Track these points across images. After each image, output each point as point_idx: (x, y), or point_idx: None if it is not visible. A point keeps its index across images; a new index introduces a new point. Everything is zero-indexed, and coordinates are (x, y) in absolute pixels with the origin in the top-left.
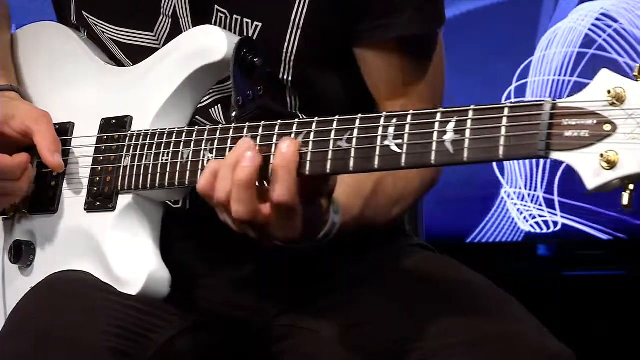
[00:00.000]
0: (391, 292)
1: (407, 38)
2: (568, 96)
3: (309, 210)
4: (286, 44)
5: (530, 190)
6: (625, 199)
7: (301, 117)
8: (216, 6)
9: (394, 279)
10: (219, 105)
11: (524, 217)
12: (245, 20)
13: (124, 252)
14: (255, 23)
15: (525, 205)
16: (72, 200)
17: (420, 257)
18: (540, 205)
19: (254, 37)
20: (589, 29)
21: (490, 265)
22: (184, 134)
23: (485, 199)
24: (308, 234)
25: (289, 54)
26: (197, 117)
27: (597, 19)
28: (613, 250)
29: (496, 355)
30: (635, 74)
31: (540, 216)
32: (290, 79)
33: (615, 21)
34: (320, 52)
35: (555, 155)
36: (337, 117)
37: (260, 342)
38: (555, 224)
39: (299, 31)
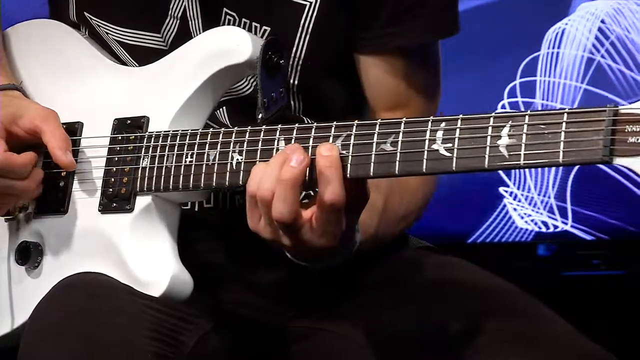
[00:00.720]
0: (407, 294)
1: (414, 47)
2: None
3: (349, 219)
4: (294, 49)
5: (541, 195)
6: None
7: (307, 121)
8: (225, 9)
9: (409, 281)
10: (225, 108)
11: (525, 219)
12: (254, 24)
13: (143, 254)
14: (264, 27)
15: (524, 207)
16: (84, 201)
17: (432, 260)
18: (552, 211)
19: None
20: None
21: (491, 266)
22: (209, 135)
23: (485, 199)
24: (340, 250)
25: (296, 59)
26: None
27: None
28: (613, 250)
29: (539, 354)
30: None
31: (545, 221)
32: (296, 82)
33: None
34: (327, 58)
35: (619, 161)
36: (379, 120)
37: (278, 343)
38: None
39: (308, 36)
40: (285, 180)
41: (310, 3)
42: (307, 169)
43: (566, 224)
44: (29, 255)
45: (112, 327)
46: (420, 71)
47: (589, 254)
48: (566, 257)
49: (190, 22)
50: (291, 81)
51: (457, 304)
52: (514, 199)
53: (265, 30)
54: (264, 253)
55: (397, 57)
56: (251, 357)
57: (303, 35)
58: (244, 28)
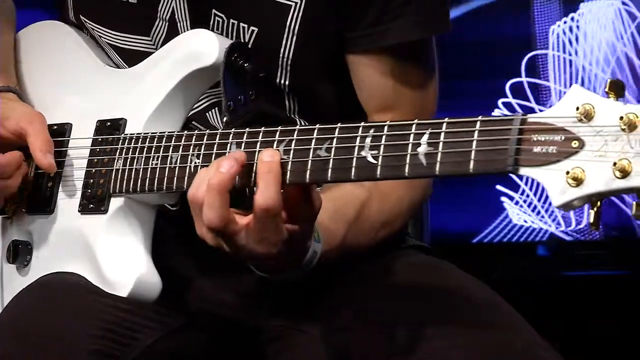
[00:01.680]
0: (384, 296)
1: (403, 45)
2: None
3: (291, 230)
4: (282, 49)
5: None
6: (592, 217)
7: (300, 122)
8: (214, 10)
9: (386, 283)
10: (216, 109)
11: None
12: (241, 24)
13: (114, 255)
14: (252, 28)
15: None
16: (67, 201)
17: (413, 260)
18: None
19: (250, 42)
20: None
21: (491, 265)
22: (173, 138)
23: (485, 199)
24: (289, 260)
25: (285, 59)
26: (193, 122)
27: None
28: (613, 250)
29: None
30: (606, 90)
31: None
32: (287, 83)
33: None
34: (316, 58)
35: (524, 171)
36: (317, 125)
37: (253, 343)
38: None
39: (294, 37)
40: (212, 185)
41: (296, 3)
42: (248, 171)
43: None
44: (18, 254)
45: (52, 326)
46: (411, 71)
47: (589, 254)
48: (566, 257)
49: (178, 24)
50: (283, 81)
51: (421, 308)
52: (515, 204)
53: (253, 30)
54: None
55: (386, 57)
56: (226, 356)
57: (290, 36)
58: (232, 29)
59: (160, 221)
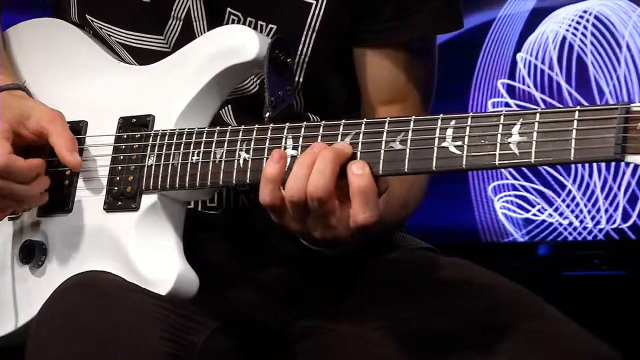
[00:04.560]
0: (410, 293)
1: (416, 41)
2: None
3: None
4: (300, 46)
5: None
6: None
7: (311, 117)
8: (229, 9)
9: (411, 280)
10: (230, 107)
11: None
12: (259, 22)
13: (149, 253)
14: (270, 25)
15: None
16: (89, 199)
17: (433, 259)
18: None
19: None
20: None
21: (491, 265)
22: (216, 133)
23: (486, 199)
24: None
25: (302, 57)
26: None
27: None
28: (612, 250)
29: (550, 352)
30: None
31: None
32: (301, 80)
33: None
34: (332, 55)
35: (631, 159)
36: (388, 118)
37: (282, 342)
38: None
39: (314, 35)
40: (327, 154)
41: (317, 2)
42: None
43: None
44: (33, 254)
45: (124, 325)
46: (420, 65)
47: (589, 254)
48: (566, 257)
49: (194, 23)
50: (297, 79)
51: (461, 303)
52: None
53: (272, 28)
54: (268, 253)
55: (399, 51)
56: (256, 356)
57: (310, 34)
58: (249, 26)
59: (190, 219)
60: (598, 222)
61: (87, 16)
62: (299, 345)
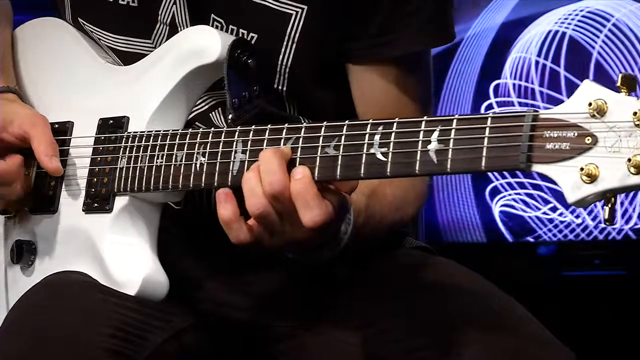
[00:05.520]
0: (393, 293)
1: (407, 55)
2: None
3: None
4: (281, 56)
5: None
6: (607, 213)
7: (305, 121)
8: (212, 15)
9: (394, 283)
10: (219, 110)
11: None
12: (241, 30)
13: (120, 254)
14: (252, 34)
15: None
16: (71, 200)
17: (419, 260)
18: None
19: None
20: None
21: (490, 265)
22: (178, 136)
23: (485, 199)
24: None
25: (283, 66)
26: (197, 122)
27: None
28: (613, 250)
29: None
30: (618, 84)
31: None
32: (284, 89)
33: None
34: (315, 65)
35: (536, 168)
36: (325, 123)
37: (261, 343)
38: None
39: (294, 45)
40: (266, 154)
41: (297, 12)
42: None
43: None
44: (22, 254)
45: (65, 323)
46: (412, 81)
47: (589, 254)
48: (566, 257)
49: (179, 28)
50: (280, 87)
51: (442, 306)
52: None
53: (253, 37)
54: (246, 253)
55: (389, 67)
56: (230, 357)
57: (290, 44)
58: (231, 34)
59: (164, 220)
60: (599, 222)
61: (79, 19)
62: (277, 346)
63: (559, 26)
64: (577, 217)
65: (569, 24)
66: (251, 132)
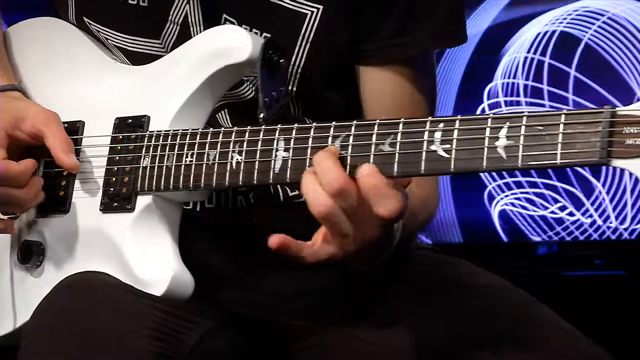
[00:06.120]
0: (411, 292)
1: (419, 56)
2: None
3: None
4: (294, 57)
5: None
6: None
7: (307, 121)
8: (225, 15)
9: (412, 280)
10: (226, 111)
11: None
12: (254, 30)
13: (144, 254)
14: (265, 34)
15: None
16: (86, 200)
17: (438, 259)
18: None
19: None
20: None
21: (490, 265)
22: (209, 134)
23: (485, 199)
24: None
25: (295, 66)
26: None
27: None
28: (613, 250)
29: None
30: None
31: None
32: (294, 89)
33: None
34: (326, 67)
35: (617, 163)
36: (377, 120)
37: (279, 341)
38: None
39: (308, 45)
40: (319, 155)
41: (312, 12)
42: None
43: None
44: (30, 255)
45: (110, 327)
46: (422, 80)
47: (589, 254)
48: (566, 257)
49: (192, 28)
50: (290, 88)
51: (460, 304)
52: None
53: (266, 36)
54: (265, 253)
55: (401, 68)
56: (252, 355)
57: (303, 44)
58: None
59: (186, 220)
60: (597, 222)
61: (85, 19)
62: (296, 344)
63: (549, 27)
64: (575, 216)
65: (560, 23)
66: (294, 131)
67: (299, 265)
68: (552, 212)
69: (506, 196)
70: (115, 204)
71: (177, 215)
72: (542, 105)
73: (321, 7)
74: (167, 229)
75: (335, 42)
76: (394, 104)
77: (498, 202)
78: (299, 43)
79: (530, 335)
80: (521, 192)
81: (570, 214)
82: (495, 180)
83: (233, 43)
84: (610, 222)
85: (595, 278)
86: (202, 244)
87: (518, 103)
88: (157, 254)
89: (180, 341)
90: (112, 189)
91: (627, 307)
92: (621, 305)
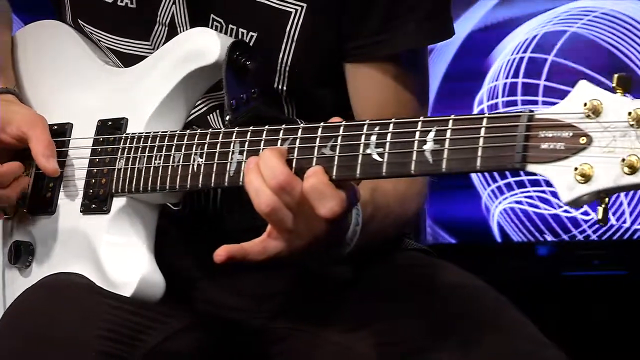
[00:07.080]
0: (388, 296)
1: (405, 53)
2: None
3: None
4: (281, 55)
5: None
6: (600, 213)
7: (300, 122)
8: (212, 15)
9: (391, 285)
10: (217, 112)
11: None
12: (240, 30)
13: (117, 255)
14: (251, 33)
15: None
16: (69, 201)
17: (416, 262)
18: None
19: None
20: None
21: (490, 265)
22: (176, 137)
23: (485, 200)
24: (337, 233)
25: (283, 65)
26: (194, 125)
27: None
28: (613, 250)
29: None
30: (614, 85)
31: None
32: (284, 88)
33: None
34: (314, 64)
35: (531, 168)
36: (322, 124)
37: (258, 344)
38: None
39: (294, 43)
40: (264, 152)
41: (296, 10)
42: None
43: None
44: (20, 255)
45: (63, 325)
46: (411, 78)
47: (589, 254)
48: (566, 257)
49: (179, 29)
50: (280, 86)
51: (429, 306)
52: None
53: (252, 36)
54: None
55: (386, 66)
56: (228, 356)
57: (289, 42)
58: (230, 34)
59: (162, 222)
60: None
61: (79, 21)
62: (274, 347)
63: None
64: (577, 214)
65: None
66: (249, 133)
67: (274, 266)
68: (552, 212)
69: (505, 199)
70: (94, 206)
71: (153, 217)
72: (536, 102)
73: (305, 5)
74: (142, 230)
75: (321, 39)
76: (379, 102)
77: (500, 202)
78: (285, 41)
79: (494, 339)
80: (521, 192)
81: (570, 213)
82: (495, 182)
83: (203, 45)
84: (611, 222)
85: (595, 278)
86: (179, 245)
87: (516, 103)
88: (130, 255)
89: (138, 341)
90: (91, 191)
91: (627, 307)
92: (621, 306)
